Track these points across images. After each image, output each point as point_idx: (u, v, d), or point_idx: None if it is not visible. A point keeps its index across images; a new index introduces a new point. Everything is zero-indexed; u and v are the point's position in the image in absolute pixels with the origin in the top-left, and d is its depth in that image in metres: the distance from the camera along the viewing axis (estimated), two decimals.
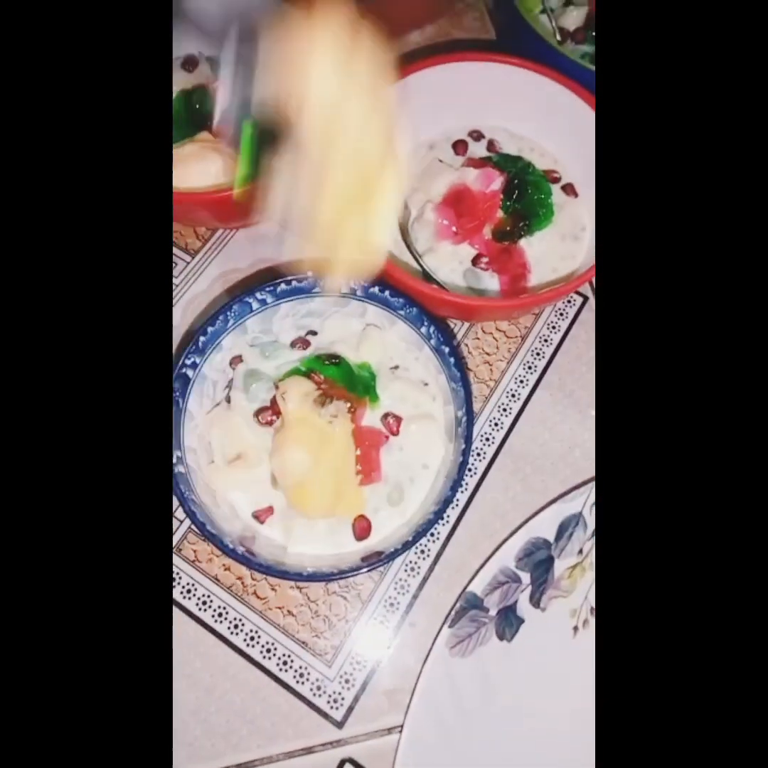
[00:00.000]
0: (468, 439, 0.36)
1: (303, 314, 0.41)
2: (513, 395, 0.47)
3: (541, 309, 0.49)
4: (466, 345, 0.48)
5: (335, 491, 0.36)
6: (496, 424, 0.46)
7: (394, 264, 0.38)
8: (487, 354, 0.48)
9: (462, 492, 0.43)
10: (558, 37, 0.54)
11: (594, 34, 0.54)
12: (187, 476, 0.36)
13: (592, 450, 0.45)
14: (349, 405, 0.36)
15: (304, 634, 0.40)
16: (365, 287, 0.39)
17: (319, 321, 0.41)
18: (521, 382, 0.47)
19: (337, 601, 0.41)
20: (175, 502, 0.37)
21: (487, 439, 0.45)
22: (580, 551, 0.40)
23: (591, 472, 0.44)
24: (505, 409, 0.46)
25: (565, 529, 0.40)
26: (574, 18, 0.55)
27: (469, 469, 0.44)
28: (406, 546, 0.35)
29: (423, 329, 0.39)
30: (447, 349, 0.38)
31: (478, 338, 0.48)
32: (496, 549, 0.39)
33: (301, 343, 0.41)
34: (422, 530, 0.34)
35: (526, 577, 0.39)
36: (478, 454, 0.45)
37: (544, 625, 0.39)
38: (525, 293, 0.43)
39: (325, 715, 0.39)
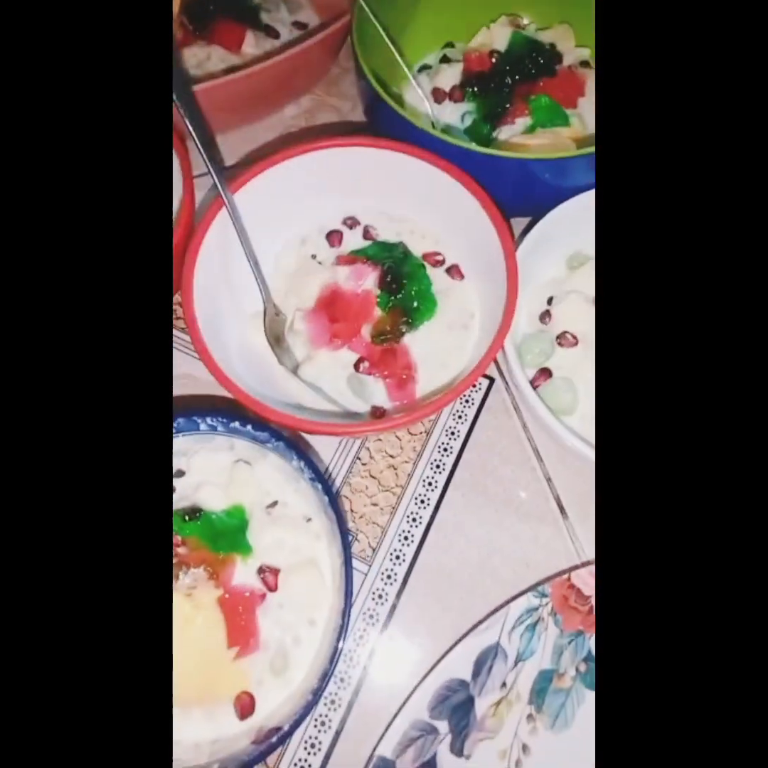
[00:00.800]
0: (348, 594, 0.31)
1: None
2: (422, 501, 0.42)
3: None
4: (367, 448, 0.44)
5: (204, 674, 0.31)
6: (406, 538, 0.41)
7: (255, 400, 0.34)
8: (391, 456, 0.44)
9: (371, 624, 0.39)
10: (433, 99, 0.51)
11: (473, 89, 0.51)
12: None
13: (512, 555, 0.41)
14: (209, 571, 0.32)
15: None
16: (226, 422, 0.35)
17: (185, 460, 0.37)
18: (430, 484, 0.43)
19: None
20: None
21: (398, 558, 0.41)
22: (504, 684, 0.36)
23: (513, 583, 0.40)
24: (414, 519, 0.42)
25: (482, 663, 0.36)
26: (450, 76, 0.52)
27: (379, 596, 0.40)
28: (293, 727, 0.30)
29: (294, 462, 0.35)
30: (320, 486, 0.34)
31: (379, 439, 0.44)
32: (405, 701, 0.35)
33: None
34: (309, 706, 0.30)
35: (443, 726, 0.35)
36: (388, 576, 0.40)
37: None
38: (412, 403, 0.39)
39: None
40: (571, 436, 0.36)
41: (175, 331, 0.47)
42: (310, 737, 0.36)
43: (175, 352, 0.46)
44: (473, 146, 0.41)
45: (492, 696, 0.35)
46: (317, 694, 0.30)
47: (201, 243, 0.39)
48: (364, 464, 0.43)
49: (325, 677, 0.30)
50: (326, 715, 0.37)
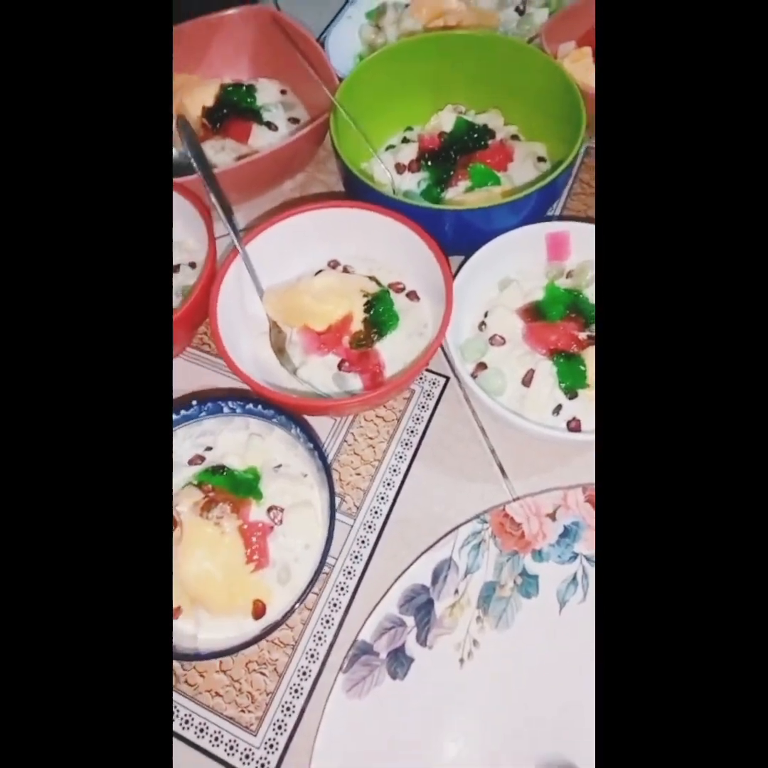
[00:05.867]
0: (332, 517, 0.44)
1: (198, 435, 0.50)
2: (394, 470, 0.55)
3: (411, 392, 0.58)
4: (352, 433, 0.56)
5: (230, 584, 0.43)
6: (382, 498, 0.53)
7: (261, 384, 0.48)
8: (370, 438, 0.56)
9: (357, 562, 0.51)
10: (396, 171, 0.66)
11: (426, 162, 0.66)
12: None
13: (465, 508, 0.52)
14: (231, 505, 0.44)
15: (230, 711, 0.46)
16: (242, 405, 0.48)
17: (213, 438, 0.50)
18: (400, 458, 0.55)
19: (257, 678, 0.47)
20: None
21: (376, 512, 0.53)
22: (456, 591, 0.47)
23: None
24: (388, 484, 0.54)
25: (439, 573, 0.47)
26: (408, 153, 0.67)
27: (362, 541, 0.51)
28: (287, 614, 0.42)
29: (293, 431, 0.48)
30: (312, 445, 0.46)
31: (361, 426, 0.57)
32: (380, 599, 0.46)
33: (198, 459, 0.49)
34: (299, 598, 0.42)
35: (410, 620, 0.46)
36: (369, 527, 0.52)
37: (433, 661, 0.45)
38: (382, 387, 0.52)
39: None
40: (502, 409, 0.49)
41: (201, 353, 0.61)
42: (318, 632, 0.48)
43: (201, 369, 0.60)
44: (423, 203, 0.56)
45: (447, 600, 0.47)
46: (306, 591, 0.42)
47: (221, 284, 0.53)
48: (349, 445, 0.56)
49: (313, 579, 0.42)
50: (331, 616, 0.48)
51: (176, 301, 0.57)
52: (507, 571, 0.48)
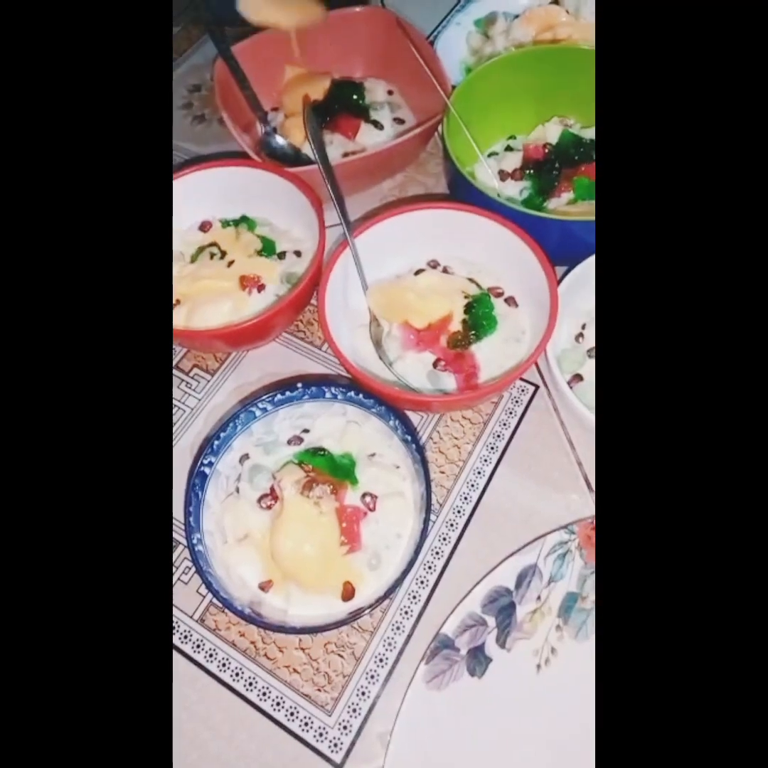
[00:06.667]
0: (427, 510, 0.44)
1: (297, 416, 0.51)
2: (479, 472, 0.55)
3: (499, 397, 0.58)
4: (438, 431, 0.57)
5: (323, 563, 0.44)
6: (465, 498, 0.54)
7: (365, 374, 0.49)
8: (456, 438, 0.57)
9: (438, 558, 0.51)
10: (499, 178, 0.67)
11: (530, 171, 0.66)
12: (205, 554, 0.45)
13: (549, 516, 0.52)
14: (331, 487, 0.46)
15: (307, 689, 0.47)
16: (344, 392, 0.50)
17: (311, 421, 0.51)
18: (485, 460, 0.56)
19: (334, 659, 0.48)
20: (197, 577, 0.46)
21: (459, 511, 0.53)
22: (539, 597, 0.47)
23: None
24: (472, 485, 0.55)
25: (523, 578, 0.47)
26: (512, 161, 0.68)
27: (444, 538, 0.52)
28: (379, 600, 0.43)
29: (391, 423, 0.49)
30: (409, 438, 0.47)
31: (447, 425, 0.57)
32: (464, 597, 0.46)
33: (296, 439, 0.50)
34: (392, 587, 0.42)
35: (491, 621, 0.46)
36: (451, 525, 0.53)
37: (510, 663, 0.45)
38: (476, 389, 0.53)
39: (327, 759, 0.45)
40: None
41: (294, 339, 0.62)
42: (397, 622, 0.48)
43: (293, 354, 0.62)
44: (528, 210, 0.57)
45: (529, 605, 0.47)
46: (400, 580, 0.43)
47: (331, 274, 0.54)
48: (435, 442, 0.57)
49: (407, 569, 0.43)
50: (410, 607, 0.49)
51: (281, 288, 0.58)
52: (590, 583, 0.48)
